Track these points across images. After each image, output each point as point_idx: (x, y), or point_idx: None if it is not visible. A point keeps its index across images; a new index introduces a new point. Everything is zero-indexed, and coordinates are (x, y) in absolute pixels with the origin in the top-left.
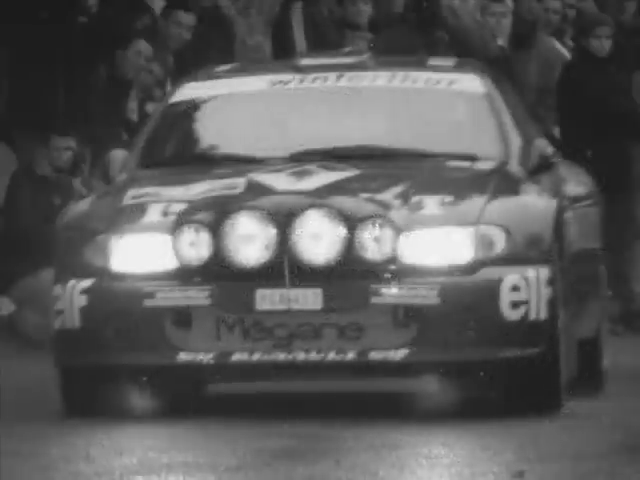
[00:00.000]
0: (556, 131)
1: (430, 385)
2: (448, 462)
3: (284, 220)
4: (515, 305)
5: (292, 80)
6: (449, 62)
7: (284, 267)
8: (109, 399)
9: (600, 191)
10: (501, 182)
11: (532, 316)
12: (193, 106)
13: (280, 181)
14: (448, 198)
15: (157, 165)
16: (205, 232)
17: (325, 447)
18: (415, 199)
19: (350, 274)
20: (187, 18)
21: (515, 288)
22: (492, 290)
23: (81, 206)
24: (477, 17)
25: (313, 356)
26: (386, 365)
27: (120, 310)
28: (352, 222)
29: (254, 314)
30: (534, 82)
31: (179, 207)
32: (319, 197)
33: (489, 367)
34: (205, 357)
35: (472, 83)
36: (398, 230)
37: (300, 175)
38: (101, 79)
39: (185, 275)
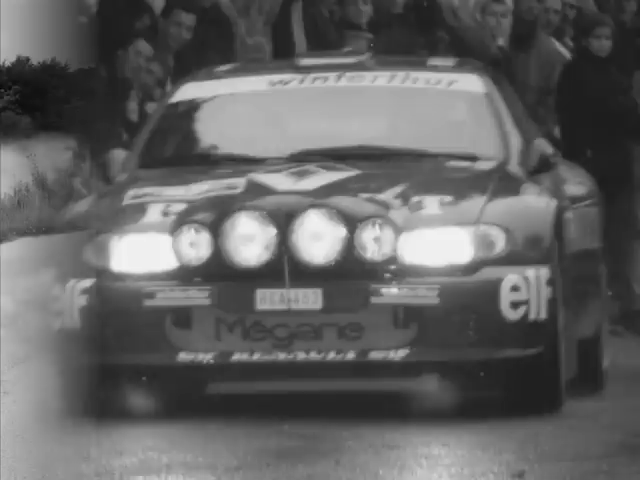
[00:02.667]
0: (556, 131)
1: (430, 385)
2: (448, 462)
3: (284, 220)
4: (515, 305)
5: (292, 80)
6: (449, 62)
7: (284, 267)
8: (109, 399)
9: (600, 191)
10: (501, 182)
11: (532, 316)
12: (193, 106)
13: (280, 181)
14: (448, 198)
15: (157, 165)
16: (205, 232)
17: (325, 447)
18: (415, 199)
19: (350, 274)
20: (187, 18)
21: (515, 288)
22: (492, 290)
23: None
24: (477, 17)
25: (313, 356)
26: (386, 365)
27: (120, 310)
28: (352, 222)
29: (254, 314)
30: (534, 82)
31: (179, 207)
32: (319, 197)
33: (489, 367)
34: (205, 357)
35: (472, 83)
36: (398, 230)
37: (300, 175)
38: (101, 79)
39: (185, 275)
